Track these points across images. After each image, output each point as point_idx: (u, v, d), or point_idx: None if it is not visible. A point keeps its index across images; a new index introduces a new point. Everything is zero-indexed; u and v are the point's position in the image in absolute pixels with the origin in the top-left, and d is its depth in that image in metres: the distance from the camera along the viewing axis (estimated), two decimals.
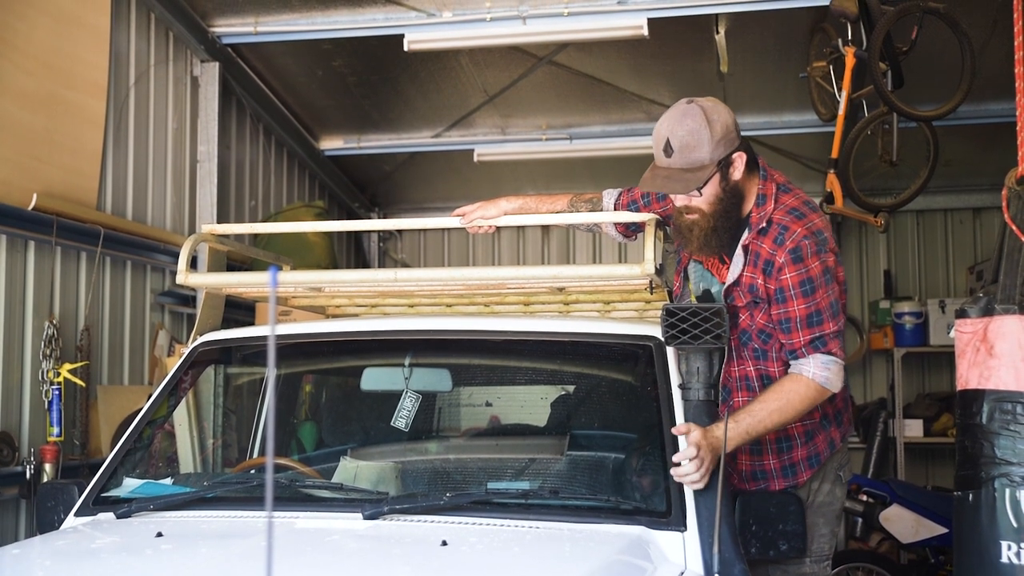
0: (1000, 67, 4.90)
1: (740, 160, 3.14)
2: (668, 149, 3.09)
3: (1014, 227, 3.11)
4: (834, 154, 5.82)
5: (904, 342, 7.86)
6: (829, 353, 3.07)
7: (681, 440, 2.79)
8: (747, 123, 7.07)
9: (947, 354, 8.13)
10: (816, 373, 3.05)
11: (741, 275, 3.19)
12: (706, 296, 3.34)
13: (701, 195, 3.13)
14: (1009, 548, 2.96)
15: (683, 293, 3.44)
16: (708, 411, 2.88)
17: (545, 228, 8.81)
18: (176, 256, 3.49)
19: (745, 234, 3.19)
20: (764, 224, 3.15)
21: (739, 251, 3.20)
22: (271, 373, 1.17)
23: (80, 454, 4.93)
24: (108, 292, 5.33)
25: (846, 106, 5.74)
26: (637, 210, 3.54)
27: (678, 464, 2.73)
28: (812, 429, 3.28)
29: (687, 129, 3.07)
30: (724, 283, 3.26)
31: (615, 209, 3.62)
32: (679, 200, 3.18)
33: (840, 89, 5.77)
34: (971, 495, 3.06)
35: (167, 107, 5.95)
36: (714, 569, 2.51)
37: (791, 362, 3.12)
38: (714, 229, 3.16)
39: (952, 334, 3.28)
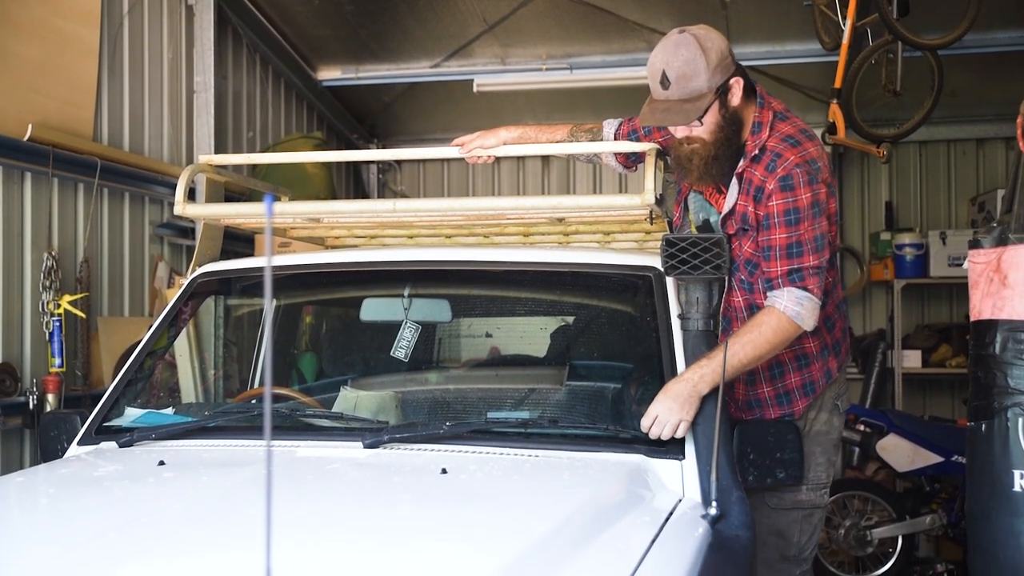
0: None
1: (737, 85, 3.10)
2: (665, 81, 3.04)
3: None
4: (837, 84, 5.75)
5: (904, 274, 7.85)
6: (805, 288, 3.03)
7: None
8: (749, 52, 6.98)
9: (947, 286, 8.16)
10: (788, 307, 3.01)
11: (735, 204, 3.17)
12: (705, 227, 3.32)
13: (702, 124, 3.09)
14: (1022, 476, 2.99)
15: (683, 224, 3.43)
16: (707, 341, 2.89)
17: (545, 159, 8.75)
18: (174, 188, 3.46)
19: (740, 162, 3.16)
20: (757, 151, 3.12)
21: (734, 179, 3.18)
22: (268, 303, 1.16)
23: (82, 385, 4.96)
24: (106, 224, 5.31)
25: (850, 35, 5.66)
26: (637, 140, 3.52)
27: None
28: (806, 357, 3.27)
29: (682, 59, 3.02)
30: (721, 213, 3.24)
31: (615, 139, 3.59)
32: (680, 131, 3.15)
33: (844, 17, 5.69)
34: (984, 425, 3.07)
35: (162, 37, 5.87)
36: (711, 496, 2.53)
37: (767, 294, 3.09)
38: (715, 158, 3.13)
39: (965, 264, 3.26)
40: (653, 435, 2.79)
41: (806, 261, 3.04)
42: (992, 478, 3.03)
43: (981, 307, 3.09)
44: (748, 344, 2.95)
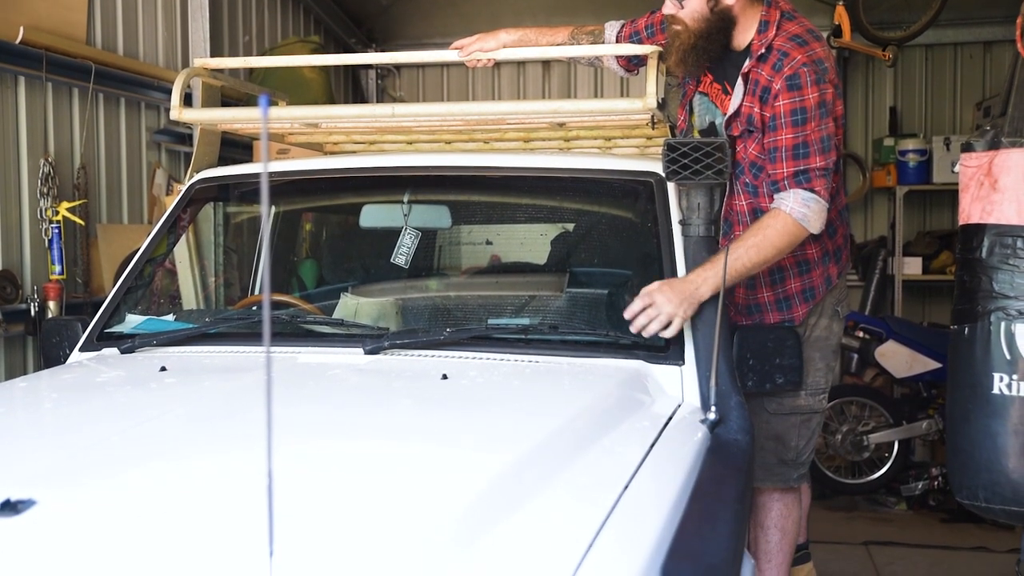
0: None
1: None
2: None
3: None
4: None
5: (907, 180, 7.80)
6: (811, 190, 3.01)
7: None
8: None
9: (950, 192, 8.07)
10: (794, 208, 2.99)
11: (741, 105, 3.14)
12: (710, 129, 3.28)
13: (683, 7, 3.07)
14: (1001, 380, 3.01)
15: (688, 126, 3.39)
16: (708, 247, 2.87)
17: (546, 63, 8.62)
18: (170, 93, 3.41)
19: (746, 62, 3.12)
20: (764, 50, 3.08)
21: (739, 80, 3.14)
22: (265, 209, 1.15)
23: (83, 292, 4.96)
24: (103, 130, 5.25)
25: None
26: (639, 42, 3.46)
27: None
28: (807, 263, 3.27)
29: None
30: (726, 114, 3.21)
31: (617, 41, 3.53)
32: (667, 7, 3.13)
33: None
34: (967, 328, 3.09)
35: None
36: (710, 401, 2.55)
37: (773, 196, 3.07)
38: (693, 47, 3.11)
39: (957, 168, 3.24)
40: (638, 327, 2.74)
41: (813, 162, 3.02)
42: (972, 380, 3.06)
43: (970, 211, 3.08)
44: (752, 248, 2.93)
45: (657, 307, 2.74)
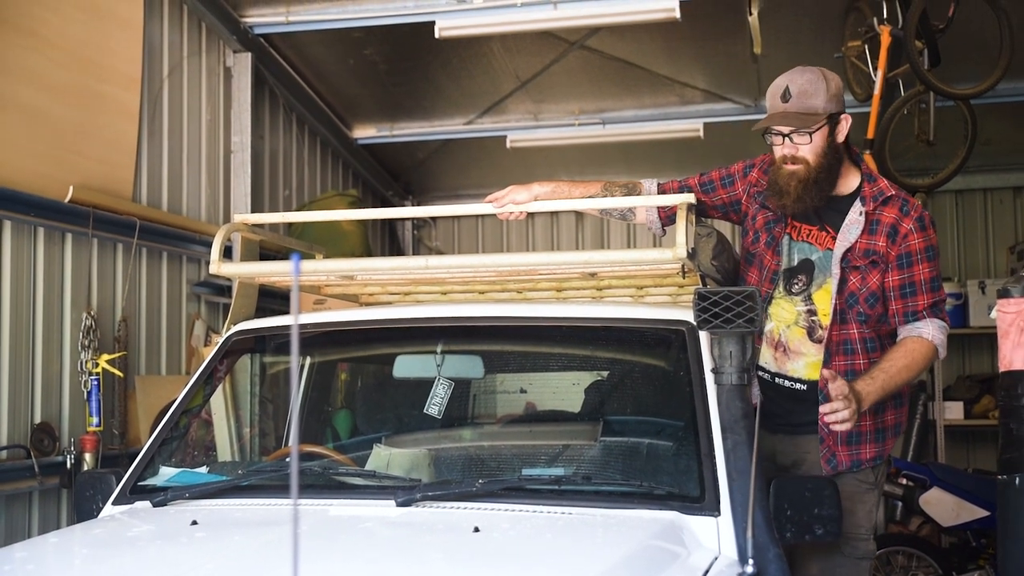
0: None
1: (846, 123, 3.36)
2: (786, 95, 3.30)
3: None
4: (870, 135, 5.73)
5: None
6: (942, 318, 3.34)
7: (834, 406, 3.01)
8: None
9: (987, 335, 8.02)
10: (935, 335, 3.29)
11: (856, 242, 3.34)
12: (804, 265, 3.45)
13: (811, 142, 3.29)
14: None
15: (779, 267, 3.49)
16: (740, 395, 2.85)
17: (579, 215, 8.78)
18: (211, 246, 3.51)
19: (858, 204, 3.36)
20: (887, 195, 3.36)
21: (857, 218, 3.35)
22: (295, 361, 1.17)
23: (119, 444, 4.99)
24: (144, 283, 5.38)
25: (882, 86, 5.66)
26: (711, 191, 3.64)
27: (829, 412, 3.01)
28: (900, 397, 3.44)
29: (806, 79, 3.30)
30: (830, 250, 3.38)
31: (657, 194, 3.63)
32: (784, 149, 3.33)
33: (875, 69, 5.70)
34: (1017, 478, 3.01)
35: (200, 98, 5.99)
36: (748, 554, 2.49)
37: (908, 325, 3.32)
38: (815, 182, 3.31)
39: (994, 314, 3.22)
40: (835, 419, 2.99)
41: (942, 295, 3.38)
42: None
43: (1012, 357, 3.06)
44: (904, 369, 3.23)
45: (848, 401, 2.99)
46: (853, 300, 3.35)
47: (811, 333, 3.41)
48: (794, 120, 3.28)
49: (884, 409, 3.39)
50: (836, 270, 3.35)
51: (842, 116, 3.35)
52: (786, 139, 3.31)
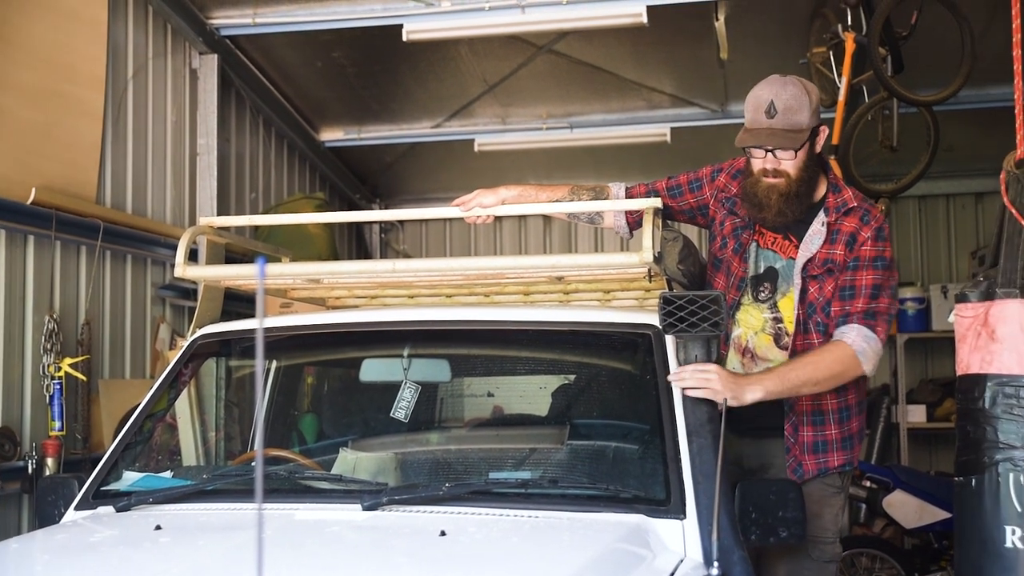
0: (1001, 51, 4.85)
1: (823, 134, 3.39)
2: (771, 111, 3.27)
3: (1014, 210, 3.09)
4: (835, 140, 5.79)
5: (907, 328, 7.84)
6: (873, 329, 3.22)
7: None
8: None
9: (950, 339, 8.03)
10: (855, 341, 3.19)
11: (817, 252, 3.34)
12: (769, 273, 3.45)
13: (795, 157, 3.28)
14: (1014, 533, 2.95)
15: (745, 275, 3.49)
16: (706, 399, 2.87)
17: (547, 218, 8.79)
18: (176, 249, 3.48)
19: (821, 215, 3.36)
20: (850, 206, 3.36)
21: (819, 228, 3.35)
22: (260, 365, 1.16)
23: (82, 448, 4.94)
24: (108, 286, 5.33)
25: (846, 92, 5.72)
26: (682, 195, 3.65)
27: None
28: (861, 404, 3.46)
29: (790, 94, 3.28)
30: (792, 259, 3.39)
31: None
32: (766, 163, 3.31)
33: (840, 75, 5.76)
34: (974, 480, 3.05)
35: (166, 100, 5.94)
36: (713, 557, 2.50)
37: (838, 329, 3.26)
38: (796, 195, 3.32)
39: (952, 319, 3.26)
40: (680, 377, 2.86)
41: (881, 303, 3.28)
42: (983, 535, 3.00)
43: (969, 361, 3.10)
44: (809, 364, 3.15)
45: (707, 377, 2.85)
46: (812, 309, 3.37)
47: (777, 340, 3.43)
48: (782, 139, 3.26)
49: (849, 417, 3.40)
50: (797, 280, 3.37)
51: (821, 128, 3.37)
52: (768, 153, 3.30)
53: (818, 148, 3.37)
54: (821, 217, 3.37)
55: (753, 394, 3.00)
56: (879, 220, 3.36)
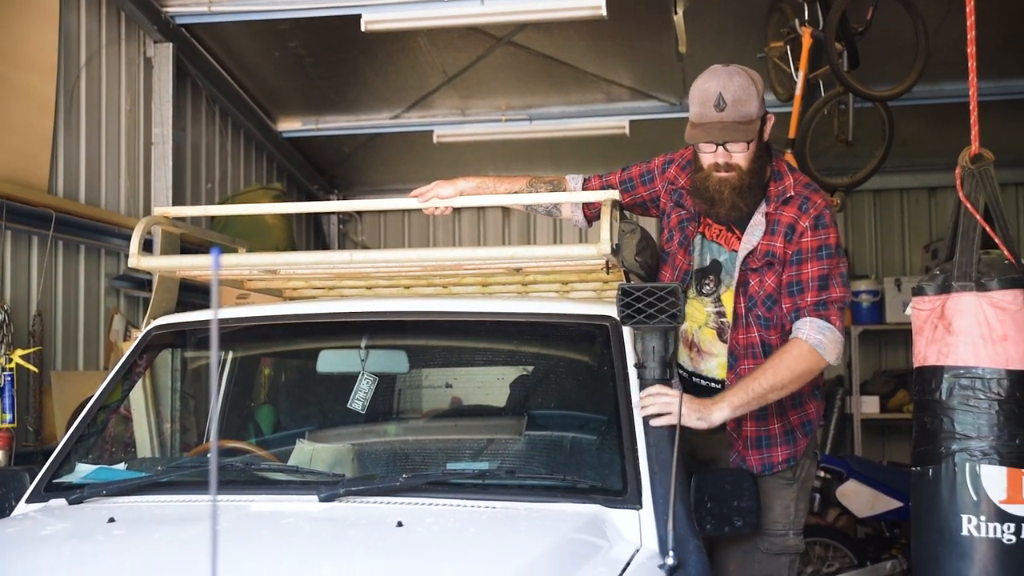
0: (955, 47, 4.91)
1: (770, 122, 3.30)
2: (720, 103, 3.16)
3: (968, 205, 3.13)
4: (791, 134, 5.84)
5: (861, 320, 7.94)
6: (827, 319, 3.16)
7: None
8: None
9: (903, 331, 8.20)
10: (810, 335, 3.13)
11: (758, 244, 3.28)
12: (713, 266, 3.40)
13: (747, 149, 3.21)
14: (970, 521, 2.99)
15: (691, 267, 3.45)
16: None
17: (506, 210, 8.79)
18: (130, 239, 3.44)
19: (763, 205, 3.29)
20: (788, 195, 3.28)
21: (759, 219, 3.29)
22: (215, 357, 1.16)
23: (34, 441, 4.87)
24: (61, 276, 5.25)
25: (802, 86, 5.77)
26: (633, 188, 3.56)
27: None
28: (801, 395, 3.35)
29: (738, 84, 3.18)
30: (735, 251, 3.32)
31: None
32: (717, 157, 3.22)
33: (797, 69, 5.81)
34: (931, 470, 3.08)
35: (120, 89, 5.86)
36: (669, 546, 2.52)
37: (793, 325, 3.20)
38: (749, 187, 3.25)
39: (909, 311, 3.29)
40: (644, 404, 2.86)
41: (833, 293, 3.21)
42: (939, 524, 3.04)
43: (926, 353, 3.12)
44: (769, 370, 3.09)
45: (669, 403, 2.84)
46: (752, 303, 3.30)
47: (720, 334, 3.38)
48: (734, 131, 3.17)
49: (785, 411, 3.33)
50: (736, 273, 3.31)
51: (768, 115, 3.28)
52: (719, 147, 3.21)
53: (766, 136, 3.28)
54: (762, 207, 3.29)
55: (720, 413, 2.99)
56: (819, 207, 3.25)
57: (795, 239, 3.23)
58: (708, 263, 3.42)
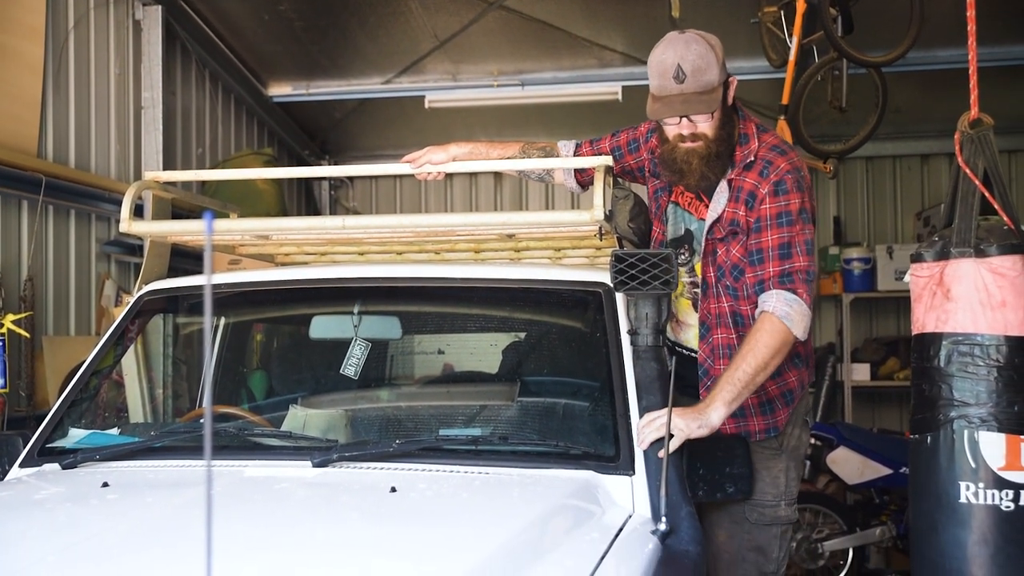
0: (949, 13, 4.91)
1: (733, 85, 3.19)
2: (680, 75, 3.07)
3: (968, 170, 3.10)
4: (784, 100, 5.82)
5: (853, 287, 7.95)
6: (793, 291, 3.05)
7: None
8: None
9: (894, 299, 8.26)
10: (777, 307, 3.02)
11: (723, 210, 3.20)
12: (686, 236, 3.36)
13: (712, 118, 3.12)
14: (968, 488, 3.00)
15: (665, 236, 3.43)
16: (656, 356, 2.89)
17: (498, 176, 8.77)
18: (121, 204, 3.42)
19: (728, 171, 3.21)
20: (749, 160, 3.18)
21: (723, 186, 3.21)
22: (208, 322, 1.15)
23: (27, 406, 4.88)
24: (52, 241, 5.23)
25: (796, 52, 5.74)
26: (620, 156, 3.53)
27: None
28: (782, 365, 3.21)
29: (696, 53, 3.08)
30: (704, 220, 3.26)
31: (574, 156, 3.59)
32: (681, 128, 3.14)
33: (790, 35, 5.77)
34: (929, 437, 3.09)
35: (108, 52, 5.81)
36: (661, 512, 2.53)
37: (758, 298, 3.10)
38: (717, 155, 3.16)
39: (907, 278, 3.27)
40: (642, 435, 2.74)
41: (797, 262, 3.09)
42: (937, 490, 3.05)
43: (925, 320, 3.12)
44: (749, 354, 2.96)
45: (664, 424, 2.71)
46: (721, 273, 3.23)
47: (695, 304, 3.34)
48: (697, 103, 3.07)
49: (769, 379, 3.19)
50: (704, 242, 3.25)
51: (730, 79, 3.18)
52: (683, 118, 3.13)
53: (730, 100, 3.17)
54: (729, 173, 3.22)
55: (717, 413, 2.85)
56: (780, 172, 3.13)
57: (756, 206, 3.14)
58: (682, 232, 3.38)
